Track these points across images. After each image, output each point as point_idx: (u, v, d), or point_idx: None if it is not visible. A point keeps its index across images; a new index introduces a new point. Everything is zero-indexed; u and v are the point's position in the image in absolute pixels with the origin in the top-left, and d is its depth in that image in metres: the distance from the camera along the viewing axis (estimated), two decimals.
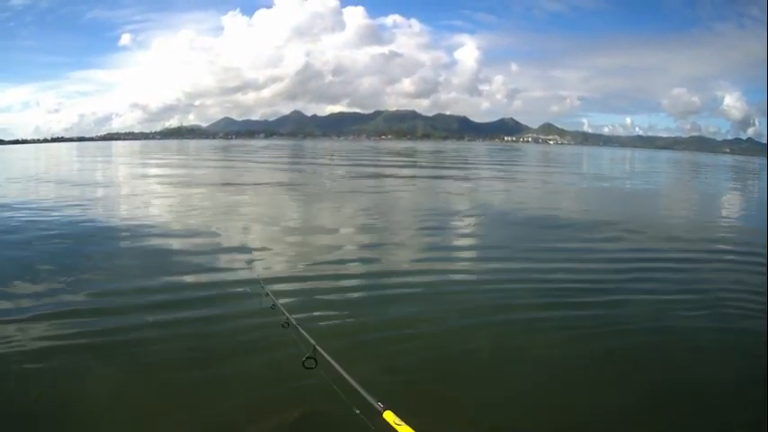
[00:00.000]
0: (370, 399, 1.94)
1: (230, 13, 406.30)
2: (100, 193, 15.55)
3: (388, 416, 1.73)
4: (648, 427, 3.30)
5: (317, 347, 2.60)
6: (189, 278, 6.28)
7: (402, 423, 1.62)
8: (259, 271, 6.24)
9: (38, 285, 5.80)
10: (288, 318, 3.27)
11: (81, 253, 7.42)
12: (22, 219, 10.34)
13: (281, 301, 3.90)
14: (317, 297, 5.56)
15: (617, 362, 4.15)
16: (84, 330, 4.53)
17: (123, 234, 9.15)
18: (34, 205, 12.27)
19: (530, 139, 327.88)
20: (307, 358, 2.58)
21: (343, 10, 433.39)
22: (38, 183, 18.70)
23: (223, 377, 3.77)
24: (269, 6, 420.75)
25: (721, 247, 9.23)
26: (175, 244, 8.31)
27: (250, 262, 7.03)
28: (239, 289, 5.72)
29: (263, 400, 3.43)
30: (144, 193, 15.75)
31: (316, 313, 5.00)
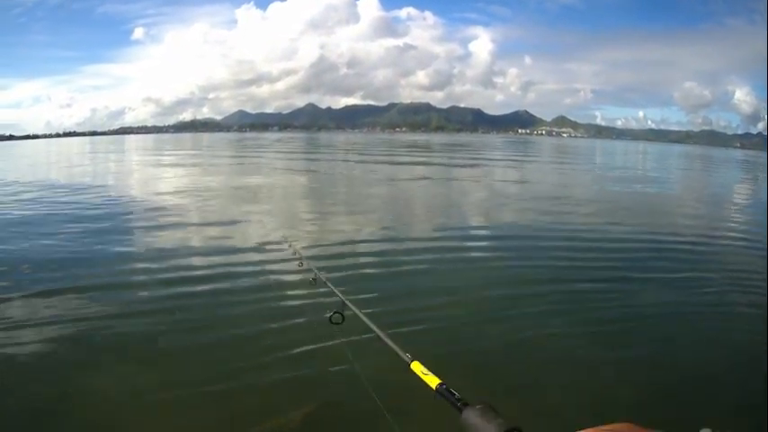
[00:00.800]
0: (398, 350, 1.98)
1: (244, 6, 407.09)
2: (118, 192, 14.55)
3: (416, 366, 1.72)
4: (653, 420, 2.92)
5: (346, 301, 2.48)
6: (220, 238, 7.11)
7: (429, 372, 1.63)
8: (289, 237, 6.43)
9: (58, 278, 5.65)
10: (316, 273, 3.30)
11: (98, 244, 7.22)
12: (37, 212, 10.10)
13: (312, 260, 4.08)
14: (349, 258, 6.00)
15: (626, 353, 4.12)
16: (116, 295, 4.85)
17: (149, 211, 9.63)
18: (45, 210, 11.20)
19: (543, 132, 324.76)
20: (334, 313, 2.44)
21: (358, 2, 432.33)
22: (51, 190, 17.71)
23: (253, 333, 3.94)
24: None
25: (737, 242, 9.08)
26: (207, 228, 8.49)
27: (281, 226, 7.66)
28: (269, 249, 6.32)
29: (286, 355, 3.55)
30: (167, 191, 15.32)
31: (344, 274, 5.31)
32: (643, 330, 4.67)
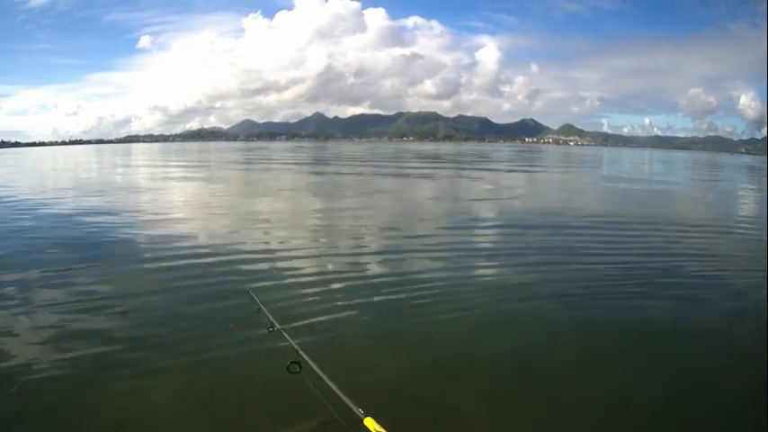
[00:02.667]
0: (351, 405, 1.99)
1: (251, 15, 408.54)
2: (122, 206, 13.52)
3: (369, 422, 1.77)
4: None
5: (300, 352, 2.61)
6: (173, 279, 6.00)
7: (382, 430, 1.66)
8: (248, 275, 6.06)
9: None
10: (272, 321, 3.22)
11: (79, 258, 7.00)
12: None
13: (269, 305, 3.94)
14: (307, 302, 5.22)
15: (630, 362, 3.99)
16: (67, 347, 4.14)
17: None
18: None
19: (550, 140, 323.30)
20: (291, 363, 2.58)
21: (365, 12, 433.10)
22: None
23: (201, 381, 3.58)
24: (290, 8, 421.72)
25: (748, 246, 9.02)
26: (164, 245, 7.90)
27: (240, 266, 6.63)
28: (226, 292, 5.44)
29: (246, 406, 3.27)
30: (151, 199, 15.05)
31: (303, 320, 4.65)
32: (656, 337, 4.45)
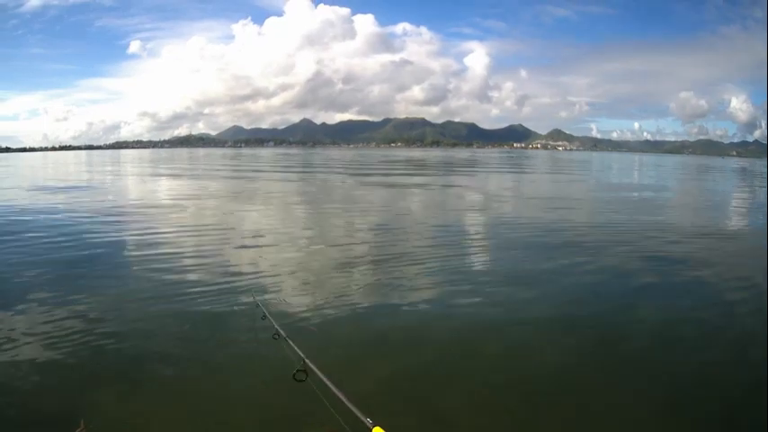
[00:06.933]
0: (360, 414, 1.97)
1: (241, 22, 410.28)
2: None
3: None
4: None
5: (306, 360, 2.62)
6: (180, 287, 5.95)
7: None
8: (252, 282, 6.10)
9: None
10: (277, 329, 3.24)
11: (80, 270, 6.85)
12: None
13: (274, 312, 3.94)
14: (311, 309, 5.27)
15: (620, 363, 4.00)
16: (72, 349, 4.16)
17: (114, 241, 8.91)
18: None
19: (538, 146, 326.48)
20: (297, 371, 2.62)
21: (354, 18, 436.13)
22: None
23: (210, 390, 3.50)
24: (279, 14, 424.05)
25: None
26: (169, 256, 7.79)
27: (244, 274, 6.63)
28: (231, 299, 5.46)
29: (252, 415, 3.18)
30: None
31: (307, 327, 4.66)
32: (645, 343, 4.42)
